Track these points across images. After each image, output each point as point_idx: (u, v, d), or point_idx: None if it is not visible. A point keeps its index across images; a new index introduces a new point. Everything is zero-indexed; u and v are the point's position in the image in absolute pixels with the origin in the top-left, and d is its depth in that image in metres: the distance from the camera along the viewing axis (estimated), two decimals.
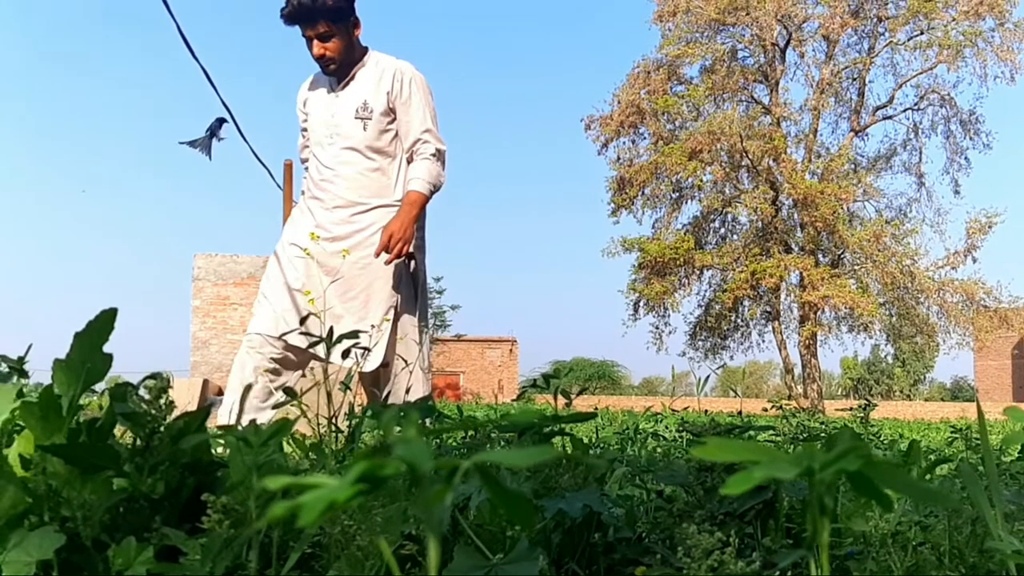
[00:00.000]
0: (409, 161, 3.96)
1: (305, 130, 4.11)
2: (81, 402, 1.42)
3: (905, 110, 37.39)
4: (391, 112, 3.90)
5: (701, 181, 36.36)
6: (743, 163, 35.69)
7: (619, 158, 38.17)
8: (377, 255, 3.81)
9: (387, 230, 3.79)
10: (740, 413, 5.09)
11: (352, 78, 3.93)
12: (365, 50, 3.97)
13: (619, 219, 38.25)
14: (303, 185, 4.11)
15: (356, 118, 3.87)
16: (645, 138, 37.95)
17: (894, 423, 19.11)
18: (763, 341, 38.66)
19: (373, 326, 3.77)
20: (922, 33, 35.18)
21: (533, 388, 1.85)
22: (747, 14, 35.19)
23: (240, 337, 4.17)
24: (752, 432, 1.90)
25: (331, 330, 2.37)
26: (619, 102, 37.53)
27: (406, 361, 3.81)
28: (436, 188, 3.95)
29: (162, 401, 1.29)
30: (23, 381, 2.02)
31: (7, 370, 2.06)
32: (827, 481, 0.52)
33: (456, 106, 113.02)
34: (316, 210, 3.90)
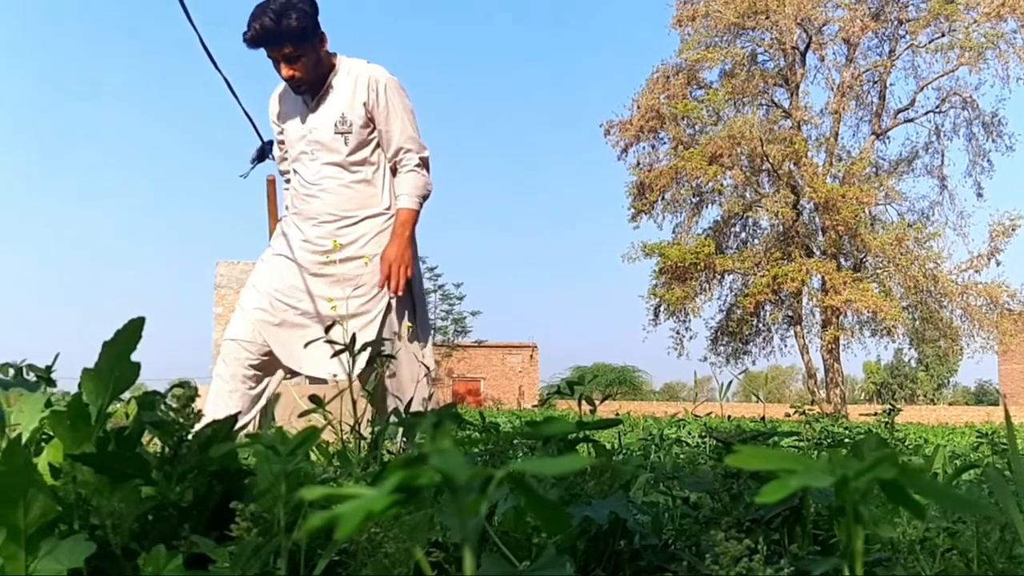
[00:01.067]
0: (393, 169, 3.91)
1: (282, 142, 4.05)
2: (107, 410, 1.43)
3: (927, 113, 37.26)
4: (370, 122, 3.83)
5: (721, 186, 36.31)
6: (764, 167, 35.59)
7: (639, 163, 38.21)
8: (381, 287, 3.78)
9: (385, 260, 3.76)
10: (763, 418, 5.08)
11: (326, 91, 3.85)
12: (333, 59, 3.88)
13: (639, 224, 38.30)
14: (286, 200, 4.05)
15: (336, 133, 3.80)
16: (665, 143, 37.99)
17: (918, 428, 18.98)
18: (785, 346, 38.57)
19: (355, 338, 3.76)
20: (943, 35, 35.03)
21: (557, 395, 1.85)
22: (767, 18, 35.14)
23: None
24: (777, 438, 1.89)
25: (353, 337, 2.37)
26: (638, 107, 37.55)
27: (389, 366, 3.75)
28: (425, 198, 3.92)
29: (190, 410, 1.30)
30: (51, 390, 2.04)
31: (35, 379, 2.08)
32: (861, 489, 0.52)
33: (474, 113, 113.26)
34: (303, 225, 3.85)
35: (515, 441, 1.89)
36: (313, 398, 1.59)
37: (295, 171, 3.92)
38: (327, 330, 3.57)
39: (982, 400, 77.75)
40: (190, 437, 1.31)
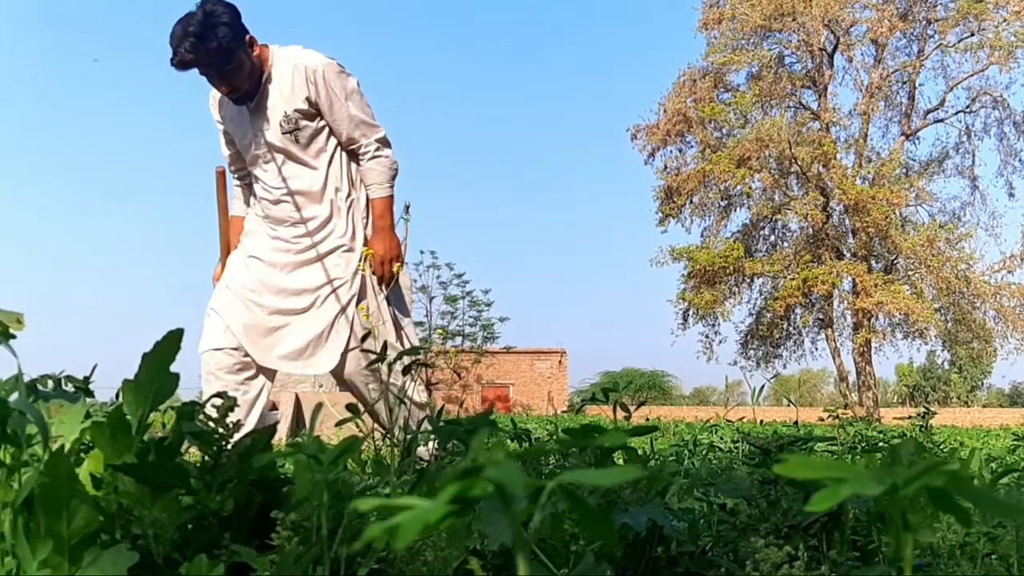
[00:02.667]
0: (351, 153, 3.80)
1: (230, 142, 3.93)
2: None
3: (957, 113, 36.95)
4: (316, 113, 3.71)
5: (750, 188, 36.17)
6: (792, 169, 35.42)
7: (666, 167, 38.13)
8: (379, 282, 3.76)
9: (376, 255, 3.72)
10: (796, 423, 5.07)
11: (264, 92, 3.70)
12: (266, 53, 3.70)
13: (667, 228, 38.22)
14: (252, 201, 3.95)
15: (284, 133, 3.69)
16: (692, 146, 37.90)
17: (952, 430, 18.80)
18: (816, 349, 38.35)
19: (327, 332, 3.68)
20: (972, 35, 34.73)
21: (592, 401, 1.85)
22: (794, 20, 34.99)
23: None
24: (812, 444, 1.88)
25: (384, 345, 2.37)
26: (665, 111, 37.49)
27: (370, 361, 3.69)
28: (394, 178, 3.83)
29: (229, 420, 1.31)
30: (88, 400, 2.06)
31: (73, 390, 2.10)
32: (910, 497, 0.52)
33: (499, 119, 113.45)
34: (278, 228, 3.77)
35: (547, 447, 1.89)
36: (350, 407, 1.60)
37: (256, 177, 3.82)
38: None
39: (1016, 402, 76.94)
40: (230, 447, 1.32)
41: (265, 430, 1.34)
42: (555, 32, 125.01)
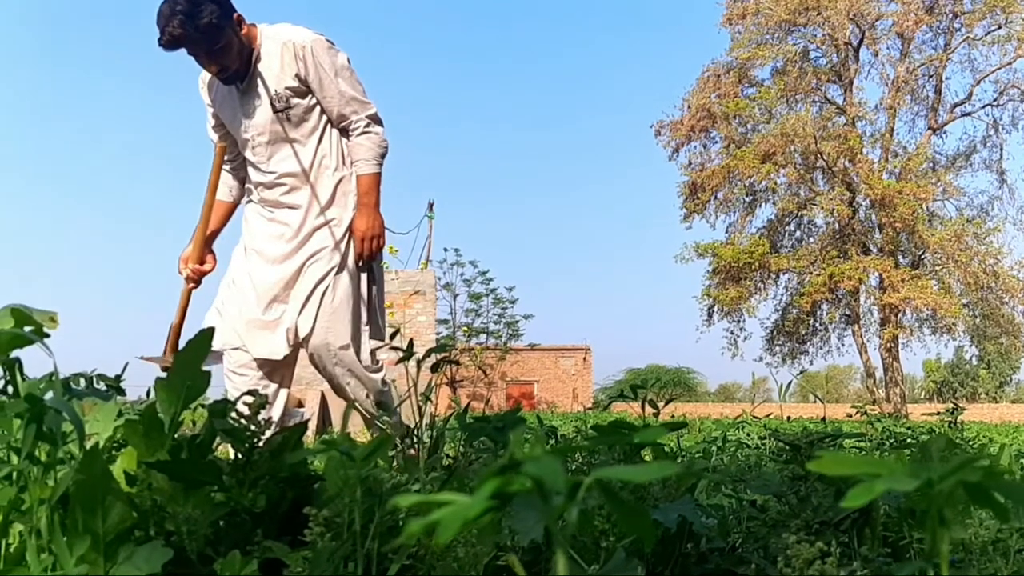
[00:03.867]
0: (343, 131, 3.74)
1: (221, 125, 3.87)
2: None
3: (984, 106, 36.57)
4: (307, 91, 3.65)
5: (775, 184, 35.95)
6: (818, 164, 35.18)
7: (690, 163, 37.98)
8: (359, 260, 3.67)
9: (356, 231, 3.65)
10: (824, 419, 5.04)
11: (254, 72, 3.65)
12: (254, 32, 3.65)
13: (691, 224, 38.03)
14: (247, 188, 3.89)
15: (275, 112, 3.63)
16: (716, 142, 37.72)
17: (980, 426, 18.62)
18: (843, 345, 38.07)
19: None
20: (999, 27, 34.36)
21: (620, 398, 1.85)
22: (818, 14, 34.74)
23: None
24: (842, 440, 1.87)
25: (410, 342, 2.38)
26: (689, 107, 37.33)
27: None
28: (383, 156, 3.75)
29: (260, 417, 1.32)
30: (120, 398, 2.08)
31: (105, 388, 2.12)
32: (947, 492, 0.52)
33: (523, 116, 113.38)
34: (273, 210, 3.73)
35: (573, 444, 1.89)
36: (381, 404, 1.61)
37: (248, 161, 3.77)
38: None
39: None
40: (261, 444, 1.33)
41: (296, 427, 1.35)
42: (579, 30, 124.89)
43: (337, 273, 3.65)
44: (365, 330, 3.73)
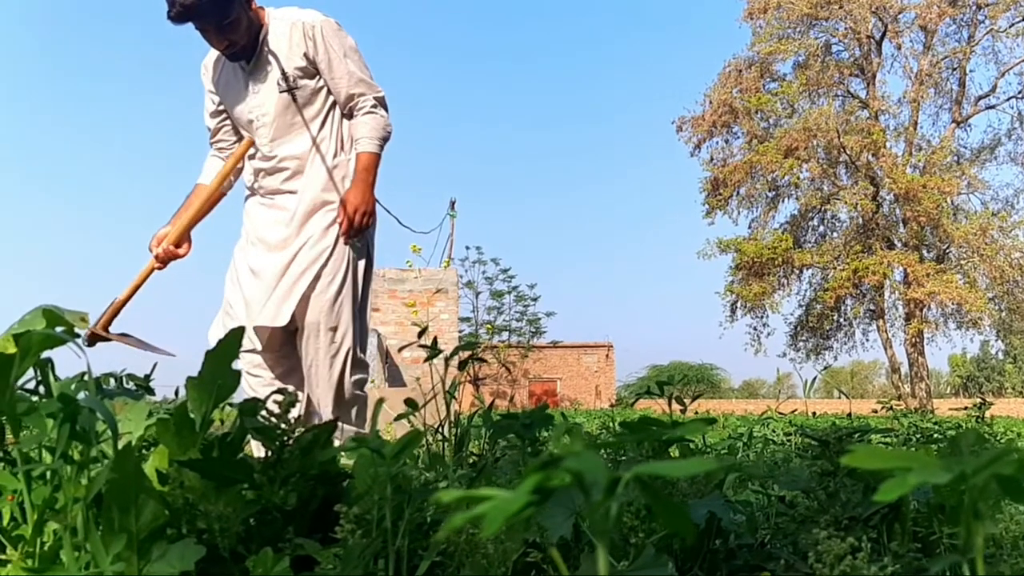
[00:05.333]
0: (349, 115, 3.69)
1: (219, 112, 3.82)
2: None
3: (1009, 99, 36.22)
4: (315, 72, 3.61)
5: (798, 179, 35.74)
6: (841, 159, 34.96)
7: (712, 158, 37.84)
8: (346, 234, 3.58)
9: (348, 204, 3.55)
10: (849, 415, 5.02)
11: (261, 51, 3.60)
12: (262, 13, 3.61)
13: (714, 220, 37.85)
14: (245, 174, 3.81)
15: (282, 92, 3.58)
16: (739, 137, 37.56)
17: (1008, 421, 18.47)
18: (867, 340, 37.82)
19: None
20: None
21: (647, 394, 1.85)
22: (840, 7, 34.54)
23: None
24: (870, 436, 1.87)
25: (434, 340, 2.39)
26: (711, 102, 37.19)
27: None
28: (386, 140, 3.67)
29: (291, 415, 1.33)
30: (149, 398, 2.11)
31: (135, 387, 2.14)
32: (980, 486, 0.52)
33: (544, 113, 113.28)
34: (273, 197, 3.67)
35: (598, 442, 1.89)
36: (408, 402, 1.62)
37: (254, 145, 3.70)
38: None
39: None
40: (292, 442, 1.34)
41: (325, 425, 1.36)
42: (599, 26, 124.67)
43: (330, 256, 3.59)
44: (357, 318, 3.68)
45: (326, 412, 3.55)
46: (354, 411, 3.68)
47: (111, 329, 3.56)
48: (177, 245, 3.71)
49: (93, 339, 3.50)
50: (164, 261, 3.70)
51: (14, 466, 1.37)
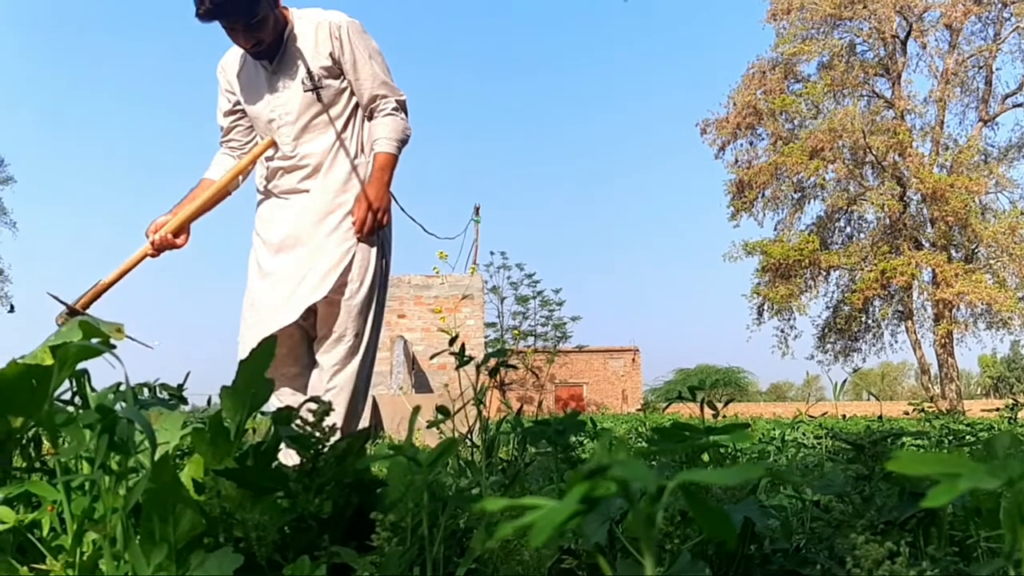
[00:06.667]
0: (369, 117, 3.68)
1: (233, 112, 3.81)
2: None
3: None
4: (340, 73, 3.60)
5: (824, 180, 35.59)
6: (867, 159, 34.77)
7: (737, 161, 37.74)
8: (359, 232, 3.56)
9: (361, 202, 3.55)
10: (880, 417, 4.99)
11: (285, 50, 3.59)
12: (286, 12, 3.59)
13: (739, 222, 37.75)
14: (258, 176, 3.78)
15: (306, 91, 3.57)
16: (763, 139, 37.44)
17: None
18: (896, 341, 37.61)
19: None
20: None
21: (679, 399, 1.85)
22: (864, 7, 34.38)
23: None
24: (903, 439, 1.85)
25: (463, 347, 2.38)
26: (734, 104, 37.10)
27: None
28: (404, 143, 3.66)
29: (325, 424, 1.34)
30: (183, 407, 2.12)
31: (168, 397, 2.16)
32: None
33: (569, 116, 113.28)
34: (288, 196, 3.65)
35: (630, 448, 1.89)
36: (440, 409, 1.62)
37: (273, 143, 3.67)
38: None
39: None
40: (326, 450, 1.35)
41: (359, 433, 1.37)
42: (622, 29, 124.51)
43: (354, 258, 3.58)
44: (377, 321, 3.67)
45: (339, 416, 3.55)
46: (364, 415, 3.69)
47: (90, 312, 3.50)
48: (176, 235, 3.67)
49: (71, 315, 3.43)
50: (160, 249, 3.66)
51: (53, 477, 1.38)
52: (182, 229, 3.69)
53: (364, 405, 3.72)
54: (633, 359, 49.59)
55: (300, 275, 3.55)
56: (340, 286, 3.57)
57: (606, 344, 49.90)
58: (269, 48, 3.55)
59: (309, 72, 3.57)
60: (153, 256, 3.67)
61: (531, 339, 46.67)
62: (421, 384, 19.86)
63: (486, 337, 26.84)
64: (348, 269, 3.58)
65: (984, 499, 1.44)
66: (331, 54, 3.57)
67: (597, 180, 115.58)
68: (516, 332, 44.84)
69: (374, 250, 3.66)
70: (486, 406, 2.41)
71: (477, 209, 24.11)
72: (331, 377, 3.60)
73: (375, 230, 3.62)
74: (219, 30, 3.47)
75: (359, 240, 3.60)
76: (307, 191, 3.62)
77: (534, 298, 46.98)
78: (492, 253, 45.54)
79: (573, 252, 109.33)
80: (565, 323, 47.97)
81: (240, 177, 3.82)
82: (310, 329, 3.67)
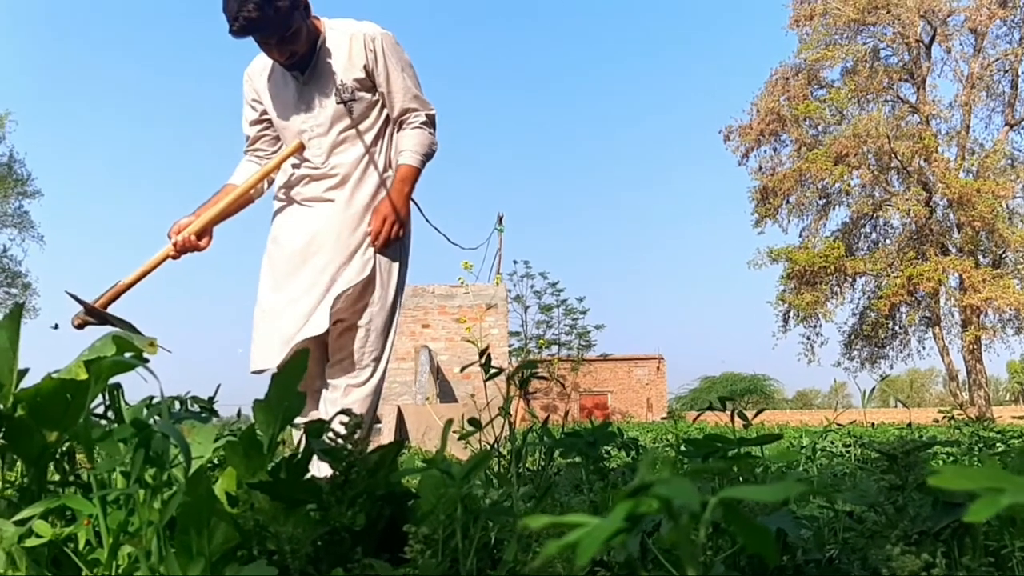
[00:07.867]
0: (398, 129, 3.69)
1: (259, 122, 3.81)
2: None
3: None
4: (372, 86, 3.59)
5: (849, 186, 35.38)
6: (892, 165, 34.55)
7: (761, 167, 37.60)
8: (375, 242, 3.56)
9: (379, 212, 3.57)
10: (909, 424, 4.95)
11: (318, 61, 3.58)
12: (318, 23, 3.59)
13: (763, 229, 37.60)
14: (279, 184, 3.76)
15: (339, 103, 3.57)
16: (787, 145, 37.28)
17: None
18: (923, 348, 37.31)
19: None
20: None
21: (709, 409, 1.84)
22: (888, 12, 34.20)
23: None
24: (935, 448, 1.84)
25: (489, 357, 2.39)
26: (758, 110, 36.97)
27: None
28: (429, 157, 3.67)
29: (357, 436, 1.35)
30: (214, 420, 2.13)
31: (199, 410, 2.17)
32: None
33: (593, 122, 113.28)
34: (312, 204, 3.63)
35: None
36: (472, 421, 1.63)
37: (298, 156, 3.66)
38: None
39: None
40: (358, 462, 1.35)
41: (392, 445, 1.38)
42: (645, 36, 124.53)
43: (375, 268, 3.59)
44: (393, 331, 3.67)
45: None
46: (374, 424, 3.71)
47: (109, 311, 3.47)
48: (199, 237, 3.65)
49: (89, 314, 3.41)
50: (182, 250, 3.63)
51: (89, 491, 1.40)
52: (205, 232, 3.67)
53: (374, 418, 3.74)
54: (658, 367, 49.48)
55: (322, 288, 3.54)
56: (361, 309, 3.59)
57: (630, 352, 49.85)
58: (302, 59, 3.54)
59: (343, 84, 3.56)
60: (174, 258, 3.64)
61: (555, 348, 46.66)
62: (445, 394, 19.88)
63: (510, 346, 26.86)
64: (371, 290, 3.59)
65: (1019, 508, 1.43)
66: (365, 66, 3.57)
67: (620, 187, 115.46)
68: (541, 341, 44.84)
69: (396, 266, 3.67)
70: (511, 415, 2.41)
71: (500, 218, 24.15)
72: (346, 395, 3.61)
73: (390, 242, 3.61)
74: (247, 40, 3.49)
75: (376, 252, 3.60)
76: (331, 200, 3.62)
77: (558, 307, 47.01)
78: (515, 262, 45.64)
79: (597, 260, 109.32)
80: (589, 331, 47.97)
81: (265, 183, 3.81)
82: (327, 344, 3.66)
